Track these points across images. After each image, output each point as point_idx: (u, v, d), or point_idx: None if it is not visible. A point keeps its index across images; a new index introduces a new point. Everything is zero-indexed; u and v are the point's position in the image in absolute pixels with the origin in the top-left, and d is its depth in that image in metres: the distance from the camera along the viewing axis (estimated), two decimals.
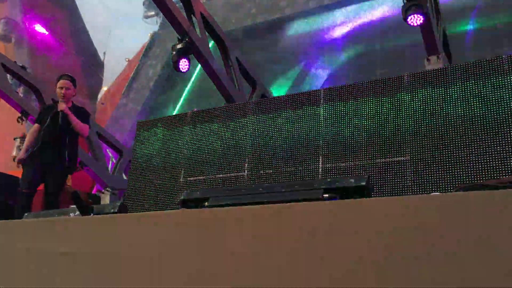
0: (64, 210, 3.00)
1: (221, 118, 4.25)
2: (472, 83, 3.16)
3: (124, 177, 10.24)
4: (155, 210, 4.08)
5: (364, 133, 3.50)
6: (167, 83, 16.76)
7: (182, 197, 2.59)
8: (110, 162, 12.34)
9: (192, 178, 4.24)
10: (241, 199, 2.34)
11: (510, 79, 3.00)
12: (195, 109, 4.67)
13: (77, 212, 2.85)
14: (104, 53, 19.34)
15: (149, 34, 18.29)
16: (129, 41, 20.07)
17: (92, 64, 17.36)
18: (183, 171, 4.28)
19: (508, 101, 3.01)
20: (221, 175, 4.10)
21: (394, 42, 12.68)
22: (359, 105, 3.59)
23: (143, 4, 17.91)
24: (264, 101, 4.14)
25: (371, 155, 3.42)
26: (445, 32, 7.60)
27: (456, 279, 1.47)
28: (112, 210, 2.83)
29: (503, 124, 2.97)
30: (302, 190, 2.21)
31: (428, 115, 3.27)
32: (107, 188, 10.16)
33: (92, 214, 2.84)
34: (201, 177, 4.19)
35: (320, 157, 3.63)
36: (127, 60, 19.16)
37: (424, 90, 3.35)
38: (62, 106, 4.92)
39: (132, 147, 5.01)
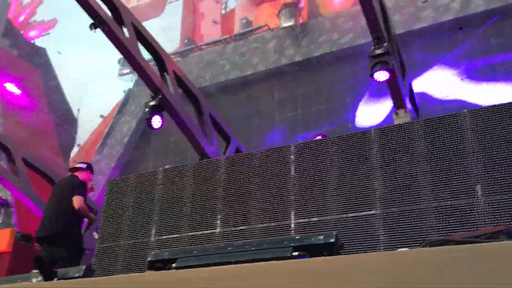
0: (26, 275, 2.87)
1: (193, 174, 4.23)
2: (436, 137, 3.25)
3: (96, 236, 9.95)
4: (124, 272, 3.95)
5: (334, 187, 3.52)
6: (141, 139, 16.71)
7: (148, 259, 2.52)
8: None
9: (164, 237, 4.15)
10: (209, 259, 2.29)
11: (469, 134, 3.11)
12: (167, 166, 4.65)
13: (40, 277, 2.74)
14: (79, 110, 19.30)
15: (123, 91, 18.40)
16: (104, 97, 20.11)
17: (65, 121, 17.26)
18: (154, 230, 4.19)
19: (469, 155, 3.10)
20: (193, 233, 4.03)
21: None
22: (329, 159, 3.63)
23: (118, 62, 18.11)
24: (236, 157, 4.15)
25: (342, 209, 3.43)
26: (411, 86, 7.88)
27: None
28: (77, 275, 2.72)
29: (468, 179, 3.03)
30: (272, 249, 2.19)
31: (396, 169, 3.32)
32: None
33: (56, 279, 2.73)
34: (173, 236, 4.11)
35: (292, 212, 3.62)
36: (101, 116, 19.14)
37: (391, 144, 3.42)
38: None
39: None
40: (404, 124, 3.55)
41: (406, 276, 1.62)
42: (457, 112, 3.27)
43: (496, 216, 2.89)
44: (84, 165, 5.91)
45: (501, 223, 2.74)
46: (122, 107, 17.85)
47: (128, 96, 18.02)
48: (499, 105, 3.20)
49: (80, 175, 5.60)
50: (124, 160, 16.66)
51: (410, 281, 1.59)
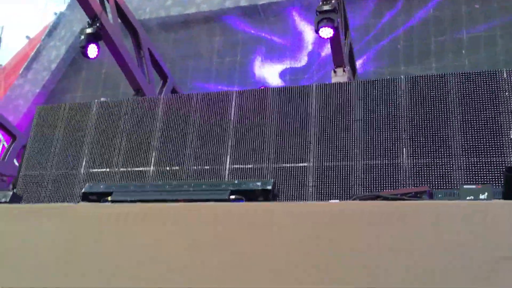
0: None
1: (129, 110, 4.14)
2: (372, 99, 3.40)
3: (16, 163, 9.54)
4: (51, 202, 3.86)
5: (271, 137, 3.61)
6: (71, 67, 15.82)
7: (83, 190, 2.49)
8: (1, 145, 11.44)
9: (94, 170, 4.08)
10: (146, 195, 2.31)
11: (402, 99, 3.28)
12: (103, 99, 4.50)
13: None
14: (2, 27, 17.82)
15: (54, 13, 17.12)
16: (31, 18, 18.64)
17: None
18: (84, 162, 4.11)
19: (400, 119, 3.28)
20: (126, 169, 3.99)
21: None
22: (268, 109, 3.69)
23: None
24: (176, 97, 4.11)
25: (277, 158, 3.54)
26: (351, 46, 8.04)
27: (348, 279, 1.58)
28: (3, 200, 2.64)
29: (397, 142, 3.22)
30: (209, 190, 2.24)
31: (332, 126, 3.45)
32: None
33: None
34: (104, 170, 4.05)
35: (228, 157, 3.68)
36: (27, 38, 17.79)
37: (330, 101, 3.54)
38: None
39: (28, 132, 4.69)
40: (344, 83, 3.67)
41: (336, 226, 1.74)
42: (394, 77, 3.43)
43: (417, 177, 3.13)
44: None
45: (421, 184, 2.98)
46: (51, 30, 16.65)
47: (59, 20, 16.81)
48: (433, 75, 3.39)
49: None
50: (50, 88, 15.77)
51: (339, 230, 1.71)
